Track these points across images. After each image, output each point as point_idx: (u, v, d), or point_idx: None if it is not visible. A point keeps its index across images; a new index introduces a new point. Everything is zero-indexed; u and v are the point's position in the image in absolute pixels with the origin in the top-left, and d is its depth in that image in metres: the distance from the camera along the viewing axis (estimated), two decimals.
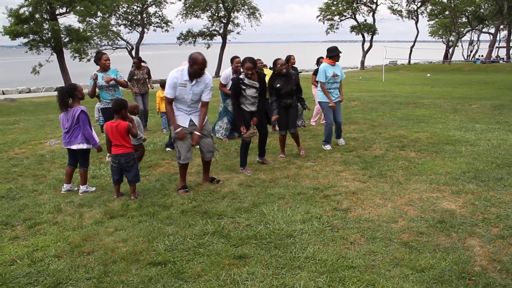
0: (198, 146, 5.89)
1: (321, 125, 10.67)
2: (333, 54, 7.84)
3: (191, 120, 5.71)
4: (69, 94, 5.57)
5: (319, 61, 10.52)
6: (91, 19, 34.19)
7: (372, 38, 54.66)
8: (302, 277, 3.43)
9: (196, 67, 5.43)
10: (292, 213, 4.76)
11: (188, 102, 5.62)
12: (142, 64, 10.59)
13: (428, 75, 36.14)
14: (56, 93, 5.62)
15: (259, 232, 4.27)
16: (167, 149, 8.22)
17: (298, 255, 3.79)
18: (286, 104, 7.12)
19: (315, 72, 10.16)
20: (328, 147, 7.96)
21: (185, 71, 5.52)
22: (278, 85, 7.02)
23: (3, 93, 33.07)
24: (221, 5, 45.33)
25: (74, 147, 5.62)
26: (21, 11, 29.00)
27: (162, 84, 10.75)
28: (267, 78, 6.89)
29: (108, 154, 7.36)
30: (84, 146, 5.63)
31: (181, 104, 5.64)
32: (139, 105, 10.19)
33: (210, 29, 46.47)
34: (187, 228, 4.45)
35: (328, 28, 55.39)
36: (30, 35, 29.97)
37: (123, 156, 5.42)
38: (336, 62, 7.93)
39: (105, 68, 7.26)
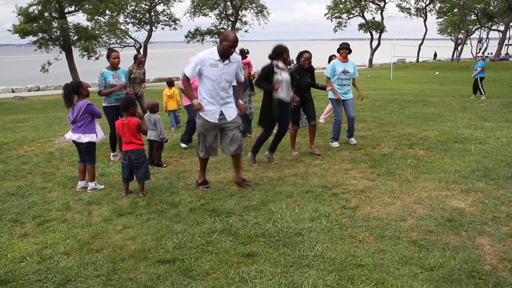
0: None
1: (330, 123, 10.65)
2: (338, 48, 7.91)
3: (221, 113, 5.45)
4: (74, 91, 5.62)
5: (331, 59, 10.48)
6: (99, 18, 34.37)
7: (380, 36, 54.47)
8: (311, 275, 3.42)
9: (226, 44, 5.19)
10: (301, 211, 4.75)
11: (221, 84, 5.35)
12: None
13: (437, 73, 35.99)
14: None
15: (267, 230, 4.27)
16: (182, 145, 8.20)
17: (307, 253, 3.78)
18: (302, 97, 7.17)
19: None
20: (336, 144, 7.96)
21: (215, 50, 5.31)
22: (298, 77, 7.10)
23: (13, 91, 33.28)
24: (229, 3, 45.33)
25: (74, 137, 5.68)
26: (31, 9, 29.20)
27: (169, 82, 10.77)
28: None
29: (112, 154, 7.42)
30: (86, 138, 5.67)
31: (212, 91, 5.36)
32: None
33: (218, 27, 46.48)
34: (196, 226, 4.46)
35: (336, 26, 55.33)
36: (39, 34, 30.18)
37: (133, 152, 5.45)
38: (350, 60, 7.89)
39: (114, 66, 7.25)
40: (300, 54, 7.31)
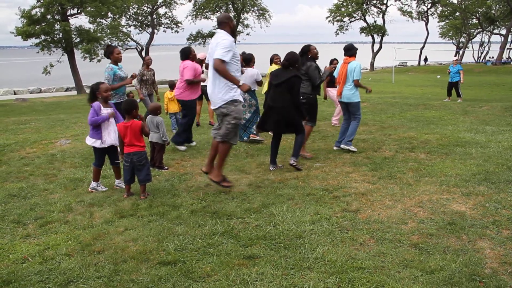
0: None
1: (333, 126, 10.66)
2: (355, 50, 7.73)
3: None
4: (92, 92, 5.72)
5: (332, 63, 10.45)
6: (101, 20, 34.51)
7: (381, 39, 54.49)
8: (312, 278, 3.43)
9: (233, 23, 5.56)
10: (302, 214, 4.76)
11: (239, 63, 5.61)
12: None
13: (438, 76, 35.95)
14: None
15: (268, 233, 4.28)
16: (182, 148, 8.11)
17: (308, 256, 3.79)
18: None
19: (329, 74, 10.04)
20: (354, 148, 7.76)
21: (227, 33, 5.45)
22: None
23: (15, 93, 33.45)
24: (230, 6, 45.44)
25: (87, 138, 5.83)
26: (33, 12, 29.32)
27: (171, 85, 10.79)
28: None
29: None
30: (88, 141, 5.78)
31: (238, 71, 5.50)
32: (148, 105, 10.18)
33: None
34: (197, 228, 4.47)
35: (337, 29, 55.40)
36: (41, 36, 30.29)
37: (136, 154, 5.46)
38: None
39: (118, 61, 7.29)
40: (308, 49, 7.21)
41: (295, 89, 6.33)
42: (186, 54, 8.13)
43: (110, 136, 5.75)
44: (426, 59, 58.31)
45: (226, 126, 5.56)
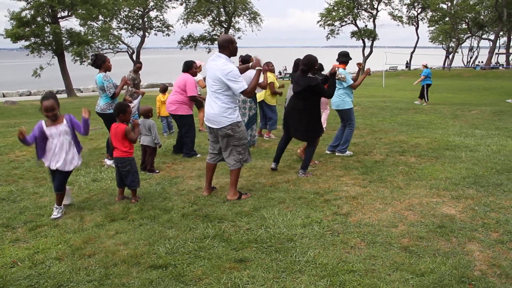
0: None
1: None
2: (348, 59, 7.76)
3: None
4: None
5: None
6: (92, 23, 34.37)
7: (372, 43, 54.88)
8: (303, 281, 3.44)
9: (236, 44, 5.35)
10: (293, 217, 4.77)
11: None
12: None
13: None
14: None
15: (259, 236, 4.28)
16: (198, 155, 7.96)
17: (299, 259, 3.79)
18: None
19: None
20: (349, 152, 7.80)
21: (228, 59, 5.29)
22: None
23: (4, 96, 33.20)
24: (222, 10, 45.49)
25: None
26: (23, 14, 29.15)
27: (163, 88, 10.80)
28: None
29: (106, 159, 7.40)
30: None
31: (236, 98, 5.42)
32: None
33: (211, 33, 46.58)
34: (188, 231, 4.46)
35: (328, 34, 55.72)
36: (31, 38, 30.12)
37: (119, 160, 5.39)
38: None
39: (109, 70, 7.16)
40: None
41: (309, 100, 6.36)
42: (188, 67, 7.89)
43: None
44: (407, 64, 58.39)
45: (236, 151, 5.40)
